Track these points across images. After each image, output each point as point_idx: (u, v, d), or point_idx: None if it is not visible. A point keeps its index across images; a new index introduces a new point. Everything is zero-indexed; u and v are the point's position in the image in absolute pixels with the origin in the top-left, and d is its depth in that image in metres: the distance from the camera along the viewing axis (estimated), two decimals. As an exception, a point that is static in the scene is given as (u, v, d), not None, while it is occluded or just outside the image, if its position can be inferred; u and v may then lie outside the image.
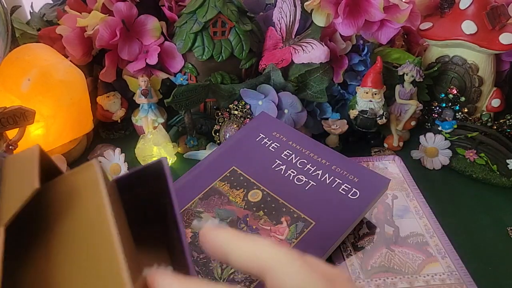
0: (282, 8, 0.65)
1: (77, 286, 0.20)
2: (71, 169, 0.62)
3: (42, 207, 0.23)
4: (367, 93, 0.62)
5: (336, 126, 0.65)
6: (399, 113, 0.66)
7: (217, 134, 0.64)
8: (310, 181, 0.51)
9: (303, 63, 0.61)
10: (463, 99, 0.67)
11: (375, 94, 0.61)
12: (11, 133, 0.55)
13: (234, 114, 0.63)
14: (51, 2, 0.79)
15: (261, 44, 0.68)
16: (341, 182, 0.50)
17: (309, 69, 0.62)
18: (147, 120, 0.65)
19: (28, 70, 0.56)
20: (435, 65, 0.69)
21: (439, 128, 0.64)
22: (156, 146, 0.61)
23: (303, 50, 0.61)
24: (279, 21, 0.66)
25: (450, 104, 0.67)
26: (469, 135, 0.62)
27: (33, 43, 0.64)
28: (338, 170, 0.52)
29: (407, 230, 0.52)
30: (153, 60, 0.64)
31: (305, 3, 0.62)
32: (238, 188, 0.51)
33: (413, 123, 0.67)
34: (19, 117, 0.53)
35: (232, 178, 0.52)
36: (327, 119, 0.66)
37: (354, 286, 0.31)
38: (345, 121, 0.65)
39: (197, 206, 0.49)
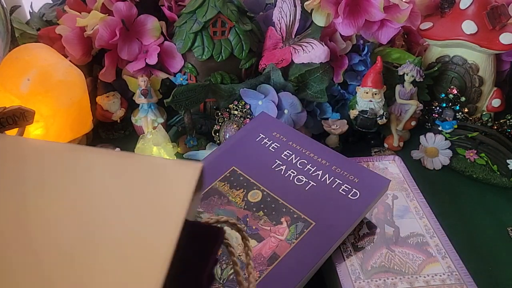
0: (282, 8, 0.65)
1: None
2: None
3: None
4: (367, 93, 0.62)
5: (336, 126, 0.65)
6: (399, 113, 0.66)
7: (217, 134, 0.64)
8: (310, 181, 0.51)
9: (303, 63, 0.61)
10: (463, 99, 0.66)
11: (375, 94, 0.61)
12: (11, 133, 0.55)
13: (234, 114, 0.63)
14: (51, 2, 0.79)
15: (261, 44, 0.68)
16: (341, 182, 0.50)
17: (309, 69, 0.62)
18: (147, 120, 0.65)
19: (28, 70, 0.56)
20: (435, 65, 0.69)
21: (439, 128, 0.64)
22: (155, 146, 0.61)
23: (303, 50, 0.61)
24: (279, 21, 0.66)
25: (450, 104, 0.67)
26: (470, 135, 0.62)
27: (32, 43, 0.64)
28: (338, 170, 0.51)
29: (407, 230, 0.51)
30: (152, 60, 0.64)
31: (305, 3, 0.62)
32: (238, 188, 0.51)
33: (413, 123, 0.67)
34: (18, 117, 0.53)
35: (232, 178, 0.52)
36: (327, 119, 0.66)
37: None
38: (345, 121, 0.65)
39: (197, 206, 0.49)
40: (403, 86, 0.64)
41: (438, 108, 0.68)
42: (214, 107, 0.68)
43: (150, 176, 0.26)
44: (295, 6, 0.63)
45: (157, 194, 0.25)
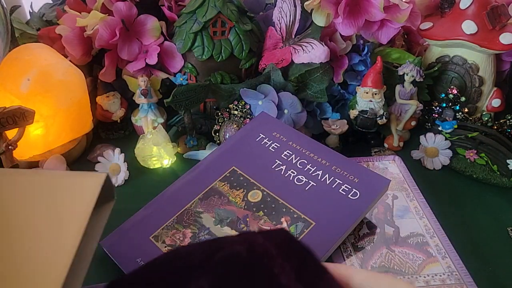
0: (282, 8, 0.65)
1: None
2: (70, 169, 0.62)
3: None
4: (367, 93, 0.61)
5: (336, 126, 0.65)
6: (399, 113, 0.66)
7: (217, 134, 0.64)
8: (310, 181, 0.51)
9: (303, 63, 0.61)
10: (463, 99, 0.66)
11: (375, 94, 0.61)
12: (11, 133, 0.55)
13: (234, 114, 0.63)
14: (51, 2, 0.79)
15: (261, 44, 0.68)
16: (341, 182, 0.50)
17: (309, 69, 0.62)
18: (147, 120, 0.65)
19: (28, 70, 0.56)
20: (435, 65, 0.69)
21: (439, 128, 0.64)
22: (155, 146, 0.61)
23: (303, 50, 0.61)
24: (279, 21, 0.66)
25: (450, 104, 0.67)
26: (470, 135, 0.62)
27: (32, 43, 0.64)
28: (338, 170, 0.51)
29: (407, 230, 0.51)
30: (152, 60, 0.64)
31: (305, 3, 0.62)
32: (238, 188, 0.51)
33: (413, 123, 0.67)
34: (18, 117, 0.53)
35: (232, 178, 0.52)
36: (327, 119, 0.66)
37: None
38: (345, 121, 0.65)
39: (197, 206, 0.49)
40: (403, 86, 0.64)
41: (438, 108, 0.68)
42: (214, 107, 0.68)
43: (53, 192, 0.26)
44: (295, 6, 0.63)
45: (58, 209, 0.25)
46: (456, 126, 0.63)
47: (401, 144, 0.67)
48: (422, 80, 0.63)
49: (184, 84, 0.62)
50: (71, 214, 0.25)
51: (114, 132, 0.69)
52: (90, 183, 0.27)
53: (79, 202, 0.25)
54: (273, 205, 0.48)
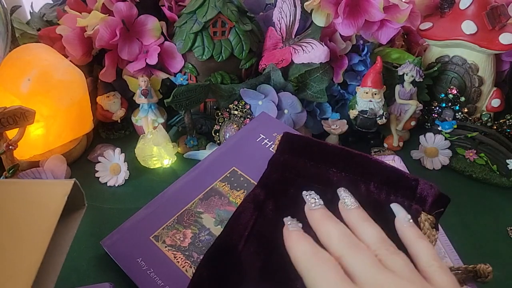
0: (282, 8, 0.65)
1: None
2: (71, 169, 0.62)
3: None
4: (367, 93, 0.62)
5: (336, 126, 0.65)
6: (399, 113, 0.66)
7: (217, 134, 0.64)
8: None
9: (303, 63, 0.61)
10: (463, 99, 0.67)
11: (375, 94, 0.61)
12: (11, 133, 0.55)
13: (234, 114, 0.63)
14: (51, 2, 0.79)
15: (261, 44, 0.68)
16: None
17: (309, 69, 0.62)
18: (147, 120, 0.65)
19: (28, 70, 0.56)
20: (435, 65, 0.69)
21: (439, 128, 0.64)
22: (156, 146, 0.61)
23: (303, 50, 0.61)
24: (279, 21, 0.66)
25: (450, 104, 0.67)
26: (469, 135, 0.62)
27: (33, 43, 0.64)
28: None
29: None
30: (153, 60, 0.64)
31: (305, 3, 0.62)
32: (238, 189, 0.51)
33: (413, 123, 0.67)
34: (19, 117, 0.53)
35: (233, 179, 0.52)
36: (327, 119, 0.66)
37: None
38: (345, 121, 0.65)
39: (197, 206, 0.49)
40: (403, 86, 0.64)
41: (437, 108, 0.69)
42: (214, 107, 0.68)
43: (17, 202, 0.25)
44: (295, 6, 0.63)
45: (22, 220, 0.24)
46: (455, 126, 0.63)
47: (401, 144, 0.67)
48: (421, 80, 0.63)
49: (184, 84, 0.62)
50: (36, 225, 0.23)
51: (115, 132, 0.69)
52: (56, 192, 0.25)
53: (44, 212, 0.24)
54: (273, 205, 0.48)
